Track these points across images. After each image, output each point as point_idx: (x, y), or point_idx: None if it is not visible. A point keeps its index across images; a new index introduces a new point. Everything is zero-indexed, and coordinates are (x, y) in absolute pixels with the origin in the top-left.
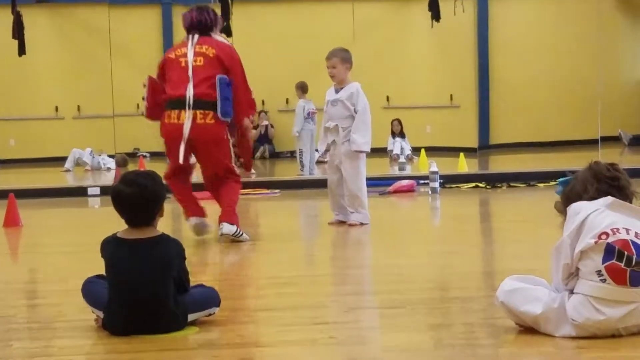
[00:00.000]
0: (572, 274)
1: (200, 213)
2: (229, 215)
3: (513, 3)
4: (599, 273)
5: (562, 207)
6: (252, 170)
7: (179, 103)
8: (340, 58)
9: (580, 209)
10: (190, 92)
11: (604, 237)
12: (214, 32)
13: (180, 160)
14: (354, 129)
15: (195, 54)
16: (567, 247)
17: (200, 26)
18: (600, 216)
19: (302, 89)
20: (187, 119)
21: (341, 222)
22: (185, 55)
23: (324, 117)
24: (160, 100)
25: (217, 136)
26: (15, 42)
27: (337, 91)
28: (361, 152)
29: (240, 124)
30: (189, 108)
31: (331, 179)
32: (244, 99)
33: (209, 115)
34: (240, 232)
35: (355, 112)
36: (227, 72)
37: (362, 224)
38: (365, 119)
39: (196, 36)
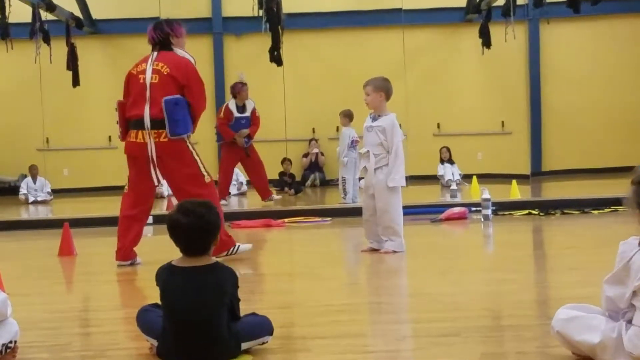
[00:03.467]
0: (622, 309)
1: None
2: (217, 249)
3: (564, 29)
4: None
5: (634, 204)
6: (273, 196)
7: (139, 123)
8: (374, 86)
9: (628, 246)
10: (147, 112)
11: None
12: (177, 44)
13: (155, 181)
14: (390, 167)
15: (153, 71)
16: (613, 282)
17: (157, 42)
18: None
19: (349, 117)
20: (148, 140)
21: (374, 250)
22: (144, 71)
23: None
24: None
25: (173, 151)
26: (70, 73)
27: (374, 119)
28: (398, 187)
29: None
30: (148, 128)
31: (365, 207)
32: (196, 119)
33: (163, 134)
34: (234, 249)
35: (386, 141)
36: (183, 89)
37: (395, 251)
38: (400, 155)
39: (155, 53)
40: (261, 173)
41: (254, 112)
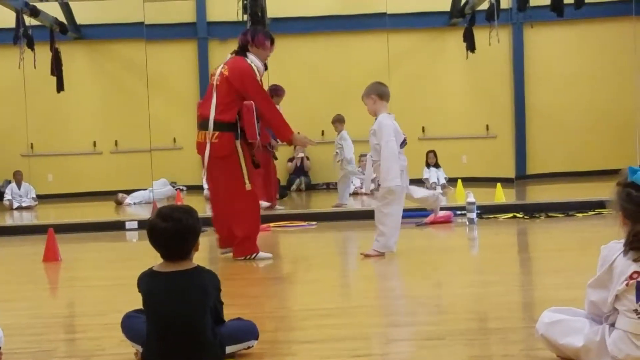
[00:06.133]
0: (605, 313)
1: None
2: (236, 253)
3: (548, 32)
4: (636, 311)
5: (618, 206)
6: (276, 206)
7: (201, 124)
8: (365, 94)
9: (610, 249)
10: (212, 114)
11: (635, 275)
12: (255, 53)
13: (203, 174)
14: (381, 169)
15: (219, 74)
16: (596, 286)
17: (238, 47)
18: (625, 257)
19: (343, 120)
20: (208, 140)
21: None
22: (215, 74)
23: None
24: None
25: (221, 153)
26: (54, 78)
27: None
28: (389, 188)
29: (289, 143)
30: (210, 129)
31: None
32: (273, 121)
33: (215, 135)
34: (253, 255)
35: (378, 144)
36: (242, 94)
37: (376, 251)
38: (386, 156)
39: (229, 56)
40: (274, 178)
41: None
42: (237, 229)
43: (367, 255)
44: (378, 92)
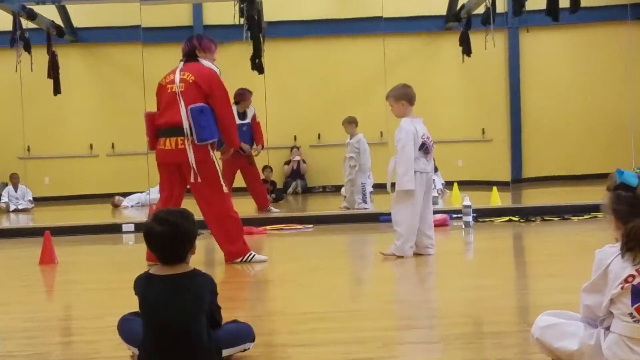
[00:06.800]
0: (600, 317)
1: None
2: (229, 256)
3: (544, 36)
4: (631, 315)
5: (610, 210)
6: (271, 208)
7: (169, 131)
8: (394, 97)
9: (604, 254)
10: (184, 120)
11: (630, 279)
12: (204, 57)
13: (193, 179)
14: (396, 172)
15: (180, 80)
16: (591, 291)
17: (187, 54)
18: (623, 260)
19: (356, 122)
20: (187, 145)
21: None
22: (172, 82)
23: None
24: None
25: (199, 157)
26: (51, 81)
27: None
28: (402, 191)
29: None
30: (187, 135)
31: None
32: (229, 128)
33: (190, 140)
34: (249, 257)
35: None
36: (207, 97)
37: (394, 254)
38: (401, 160)
39: (182, 63)
40: (261, 183)
41: (254, 118)
42: (217, 232)
43: (385, 255)
44: (408, 98)
